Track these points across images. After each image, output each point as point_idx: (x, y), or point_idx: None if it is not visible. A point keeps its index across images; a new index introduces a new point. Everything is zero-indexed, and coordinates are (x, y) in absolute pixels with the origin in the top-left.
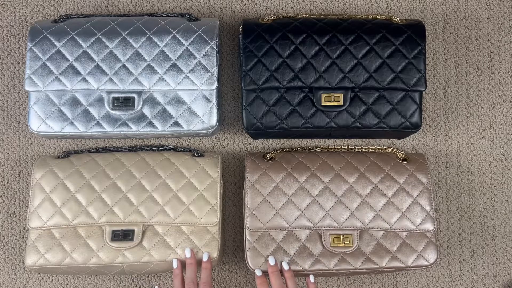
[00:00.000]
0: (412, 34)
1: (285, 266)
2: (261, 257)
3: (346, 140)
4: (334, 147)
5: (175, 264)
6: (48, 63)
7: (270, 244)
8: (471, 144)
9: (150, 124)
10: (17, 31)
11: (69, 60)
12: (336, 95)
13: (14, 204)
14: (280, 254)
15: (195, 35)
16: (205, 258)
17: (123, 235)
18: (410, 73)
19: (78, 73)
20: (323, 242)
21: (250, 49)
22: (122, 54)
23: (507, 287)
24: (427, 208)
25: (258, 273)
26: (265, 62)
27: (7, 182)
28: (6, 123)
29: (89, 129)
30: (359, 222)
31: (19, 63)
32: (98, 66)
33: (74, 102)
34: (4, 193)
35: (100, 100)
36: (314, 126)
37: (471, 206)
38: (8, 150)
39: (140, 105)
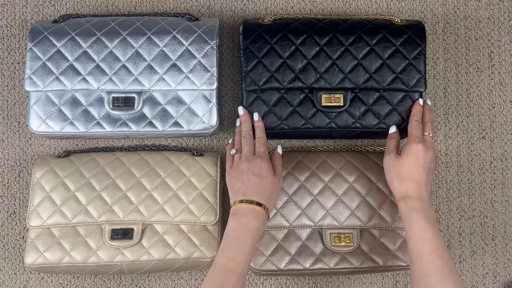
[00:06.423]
0: (412, 34)
1: (256, 117)
2: (262, 256)
3: (346, 140)
4: (334, 147)
5: (241, 111)
6: (48, 63)
7: (271, 243)
8: (471, 144)
9: (150, 124)
10: (17, 31)
11: (69, 60)
12: (336, 95)
13: (14, 204)
14: (281, 253)
15: (195, 35)
16: (255, 118)
17: (123, 233)
18: (410, 74)
19: (78, 73)
20: (324, 241)
21: (250, 49)
22: (122, 54)
23: (507, 287)
24: None
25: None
26: (266, 62)
27: (7, 182)
28: (6, 123)
29: (89, 129)
30: (359, 221)
31: (19, 63)
32: (98, 66)
33: (74, 102)
34: (4, 193)
35: (100, 100)
36: (315, 127)
37: (471, 206)
38: (8, 150)
39: (140, 105)
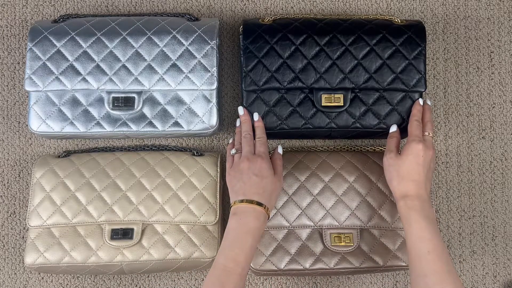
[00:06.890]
0: (412, 34)
1: (256, 118)
2: (262, 256)
3: (346, 140)
4: (334, 147)
5: (241, 111)
6: (48, 63)
7: (271, 243)
8: (471, 144)
9: (150, 124)
10: (17, 31)
11: (69, 60)
12: (336, 95)
13: (14, 204)
14: (281, 253)
15: (195, 35)
16: (255, 118)
17: (123, 233)
18: (410, 74)
19: (78, 73)
20: (324, 241)
21: (250, 50)
22: (122, 54)
23: (507, 287)
24: None
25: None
26: (266, 63)
27: (7, 182)
28: (6, 123)
29: (89, 129)
30: (359, 221)
31: (19, 63)
32: (98, 66)
33: (74, 102)
34: (4, 193)
35: (100, 100)
36: (315, 127)
37: (471, 206)
38: (8, 150)
39: (140, 105)
